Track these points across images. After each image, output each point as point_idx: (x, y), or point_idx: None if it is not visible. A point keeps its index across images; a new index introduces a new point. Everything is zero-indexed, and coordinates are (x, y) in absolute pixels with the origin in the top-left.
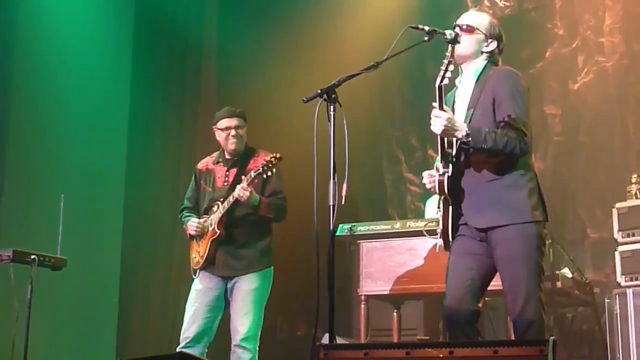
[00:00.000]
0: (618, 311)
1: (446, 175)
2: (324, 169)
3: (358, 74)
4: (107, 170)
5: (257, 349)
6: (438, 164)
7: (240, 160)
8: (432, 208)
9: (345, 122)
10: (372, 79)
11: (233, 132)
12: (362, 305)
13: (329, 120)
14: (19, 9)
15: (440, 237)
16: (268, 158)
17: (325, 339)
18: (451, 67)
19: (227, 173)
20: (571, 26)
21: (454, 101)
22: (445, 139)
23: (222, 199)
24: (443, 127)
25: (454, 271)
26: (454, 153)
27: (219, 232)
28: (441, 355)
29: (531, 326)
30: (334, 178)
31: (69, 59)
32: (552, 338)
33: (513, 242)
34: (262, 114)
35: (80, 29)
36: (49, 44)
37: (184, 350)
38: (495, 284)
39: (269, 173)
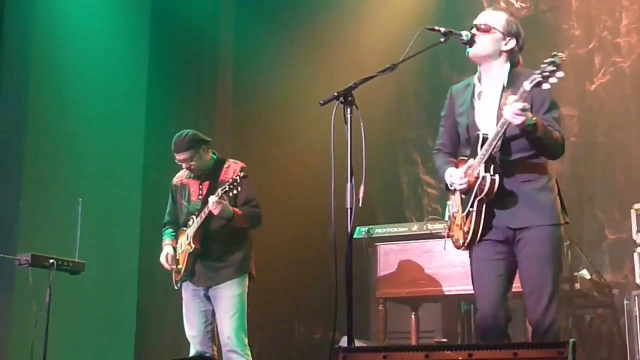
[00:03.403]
0: (637, 312)
1: (497, 176)
2: (341, 172)
3: (374, 76)
4: (125, 174)
5: (249, 353)
6: (449, 168)
7: (210, 173)
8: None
9: (362, 124)
10: (387, 81)
11: (185, 165)
12: (380, 308)
13: (346, 123)
14: (35, 12)
15: (454, 237)
16: (234, 176)
17: (343, 342)
18: None
19: (201, 187)
20: (588, 27)
21: (472, 100)
22: (483, 140)
23: (196, 213)
24: (523, 117)
25: (482, 279)
26: (492, 153)
27: (194, 246)
28: (460, 358)
29: (553, 326)
30: (351, 181)
31: (85, 64)
32: (572, 340)
33: (543, 243)
34: (278, 117)
35: (97, 33)
36: (66, 49)
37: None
38: (514, 285)
39: (235, 191)
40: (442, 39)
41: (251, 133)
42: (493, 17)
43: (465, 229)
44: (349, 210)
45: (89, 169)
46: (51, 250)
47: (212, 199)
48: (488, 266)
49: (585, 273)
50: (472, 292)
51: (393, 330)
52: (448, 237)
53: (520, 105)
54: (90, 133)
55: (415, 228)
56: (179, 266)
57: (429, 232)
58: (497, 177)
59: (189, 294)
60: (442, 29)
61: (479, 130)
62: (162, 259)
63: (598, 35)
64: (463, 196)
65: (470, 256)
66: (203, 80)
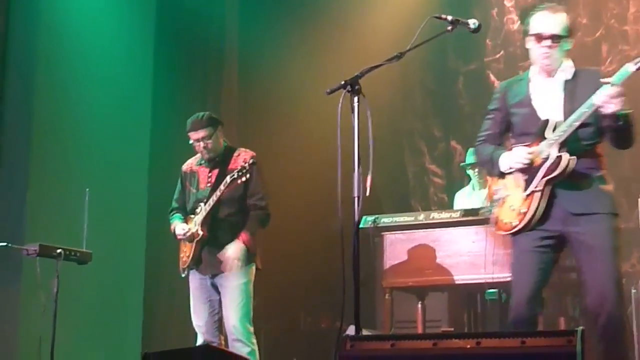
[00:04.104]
0: None
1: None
2: (347, 162)
3: (381, 65)
4: (131, 164)
5: (255, 342)
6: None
7: (220, 161)
8: (462, 203)
9: (369, 113)
10: (393, 70)
11: (202, 144)
12: (386, 297)
13: (353, 112)
14: (41, 2)
15: (504, 221)
16: (243, 163)
17: (350, 331)
18: None
19: (210, 174)
20: (595, 15)
21: (529, 92)
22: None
23: (205, 200)
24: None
25: (523, 268)
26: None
27: (202, 233)
28: (468, 346)
29: (622, 315)
30: (358, 169)
31: (91, 54)
32: (580, 328)
33: (606, 232)
34: (283, 107)
35: (103, 23)
36: (72, 40)
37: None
38: None
39: (243, 179)
40: (449, 28)
41: (257, 123)
42: (559, 23)
43: (524, 209)
44: (356, 199)
45: (95, 159)
46: (58, 241)
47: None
48: (531, 256)
49: None
50: (478, 281)
51: (399, 320)
52: (492, 222)
53: (617, 90)
54: (96, 123)
55: (421, 217)
56: (187, 254)
57: (435, 221)
58: (575, 157)
59: (195, 282)
60: (449, 17)
61: (540, 119)
62: (180, 229)
63: (605, 23)
64: (525, 177)
65: (513, 243)
66: (209, 71)
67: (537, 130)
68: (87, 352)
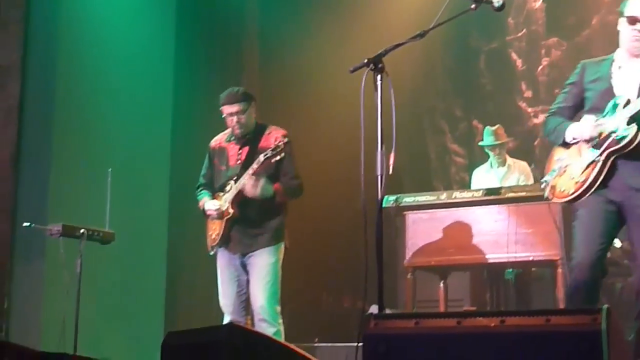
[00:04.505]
0: None
1: None
2: (369, 141)
3: (404, 43)
4: (153, 145)
5: (281, 322)
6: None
7: (251, 138)
8: (479, 179)
9: (392, 91)
10: (414, 49)
11: (235, 118)
12: (408, 277)
13: (376, 90)
14: None
15: (561, 189)
16: (277, 141)
17: (373, 310)
18: None
19: (240, 151)
20: None
21: (610, 71)
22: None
23: (235, 178)
24: None
25: (588, 230)
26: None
27: (232, 211)
28: (492, 324)
29: None
30: (381, 148)
31: (113, 34)
32: (605, 306)
33: None
34: (304, 86)
35: (124, 4)
36: (94, 20)
37: (226, 317)
38: (544, 253)
39: (278, 157)
40: (472, 6)
41: (278, 102)
42: None
43: (583, 178)
44: (379, 177)
45: (117, 139)
46: (81, 221)
47: (249, 182)
48: (596, 219)
49: (616, 241)
50: (501, 260)
51: (421, 299)
52: (547, 190)
53: None
54: (118, 103)
55: (443, 197)
56: (216, 232)
57: (457, 200)
58: None
59: (224, 261)
60: None
61: (615, 95)
62: (212, 206)
63: None
64: (589, 148)
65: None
66: (229, 50)
67: (608, 105)
68: (110, 331)
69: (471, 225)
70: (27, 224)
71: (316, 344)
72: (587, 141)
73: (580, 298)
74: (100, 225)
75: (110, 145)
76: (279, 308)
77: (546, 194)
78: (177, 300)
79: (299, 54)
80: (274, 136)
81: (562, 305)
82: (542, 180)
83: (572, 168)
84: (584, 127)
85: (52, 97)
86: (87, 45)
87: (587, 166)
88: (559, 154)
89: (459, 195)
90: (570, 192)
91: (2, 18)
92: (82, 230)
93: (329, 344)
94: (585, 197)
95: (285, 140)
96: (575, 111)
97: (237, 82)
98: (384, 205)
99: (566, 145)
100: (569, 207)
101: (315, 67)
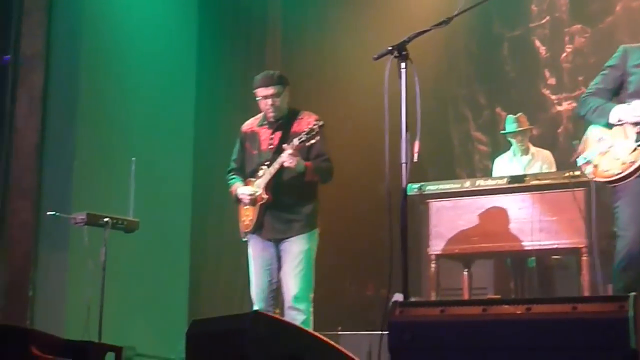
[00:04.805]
0: None
1: None
2: (393, 128)
3: (428, 30)
4: (176, 133)
5: (311, 310)
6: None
7: (284, 122)
8: (501, 167)
9: (416, 79)
10: (437, 36)
11: (270, 101)
12: (432, 265)
13: (400, 78)
14: None
15: (603, 169)
16: (311, 125)
17: (396, 298)
18: None
19: (272, 136)
20: None
21: None
22: None
23: (268, 162)
24: None
25: (637, 206)
26: None
27: (267, 196)
28: (518, 312)
29: None
30: (406, 136)
31: (136, 23)
32: (632, 294)
33: None
34: (327, 74)
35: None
36: (117, 9)
37: (256, 305)
38: (568, 241)
39: (312, 140)
40: None
41: (301, 89)
42: None
43: (631, 159)
44: (404, 165)
45: (141, 128)
46: (105, 209)
47: (287, 152)
48: None
49: None
50: (524, 248)
51: (445, 288)
52: (587, 170)
53: None
54: (141, 91)
55: (467, 184)
56: (249, 217)
57: (481, 188)
58: None
59: (257, 249)
60: None
61: None
62: (245, 191)
63: None
64: (637, 130)
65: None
66: (252, 38)
67: None
68: (134, 319)
69: (495, 213)
70: (52, 212)
71: (339, 332)
72: (635, 124)
73: (636, 272)
74: (124, 214)
75: (134, 134)
76: (311, 296)
77: (588, 171)
78: (200, 288)
79: (321, 41)
80: (306, 121)
81: (587, 293)
82: (580, 157)
83: (616, 149)
84: (635, 109)
85: (76, 87)
86: (110, 35)
87: (635, 149)
88: (601, 133)
89: (483, 183)
90: (616, 173)
91: (26, 7)
92: (106, 219)
93: (352, 332)
94: (632, 178)
95: (320, 123)
96: (614, 94)
97: (260, 69)
98: (407, 193)
99: (608, 126)
100: (591, 195)
101: (339, 53)
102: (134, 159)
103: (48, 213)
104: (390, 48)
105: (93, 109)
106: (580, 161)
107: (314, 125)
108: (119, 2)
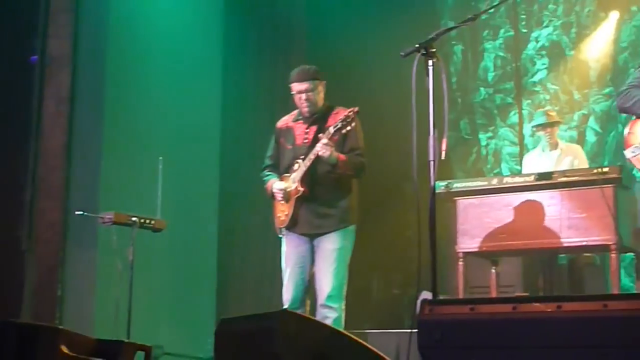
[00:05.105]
0: None
1: None
2: (421, 126)
3: (455, 27)
4: (203, 132)
5: (344, 308)
6: None
7: (319, 117)
8: (531, 163)
9: (444, 76)
10: (463, 33)
11: (304, 96)
12: (460, 262)
13: (427, 75)
14: None
15: None
16: (346, 113)
17: (424, 296)
18: None
19: (307, 131)
20: None
21: None
22: None
23: (303, 157)
24: None
25: None
26: None
27: (302, 189)
28: (549, 310)
29: None
30: (433, 133)
31: (163, 22)
32: None
33: None
34: (356, 70)
35: None
36: (143, 8)
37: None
38: (598, 238)
39: (348, 127)
40: None
41: (328, 86)
42: None
43: None
44: (431, 162)
45: (168, 128)
46: (132, 209)
47: (322, 141)
48: None
49: None
50: (553, 246)
51: (472, 285)
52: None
53: None
54: (168, 91)
55: (494, 182)
56: (285, 212)
57: (508, 185)
58: None
59: (291, 247)
60: None
61: None
62: (280, 186)
63: None
64: None
65: None
66: (277, 34)
67: None
68: (162, 318)
69: (523, 210)
70: (80, 212)
71: (367, 331)
72: None
73: None
74: (151, 213)
75: (161, 134)
76: (344, 294)
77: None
78: (228, 287)
79: (346, 38)
80: (342, 114)
81: (616, 290)
82: (629, 150)
83: None
84: None
85: (103, 86)
86: (136, 35)
87: None
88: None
89: (510, 181)
90: None
91: (53, 9)
92: (134, 219)
93: (380, 330)
94: None
95: (356, 109)
96: None
97: (286, 69)
98: (435, 190)
99: None
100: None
101: (367, 50)
102: (161, 158)
103: (76, 213)
104: (417, 45)
105: (120, 109)
106: (630, 153)
107: (350, 111)
108: (146, 4)
